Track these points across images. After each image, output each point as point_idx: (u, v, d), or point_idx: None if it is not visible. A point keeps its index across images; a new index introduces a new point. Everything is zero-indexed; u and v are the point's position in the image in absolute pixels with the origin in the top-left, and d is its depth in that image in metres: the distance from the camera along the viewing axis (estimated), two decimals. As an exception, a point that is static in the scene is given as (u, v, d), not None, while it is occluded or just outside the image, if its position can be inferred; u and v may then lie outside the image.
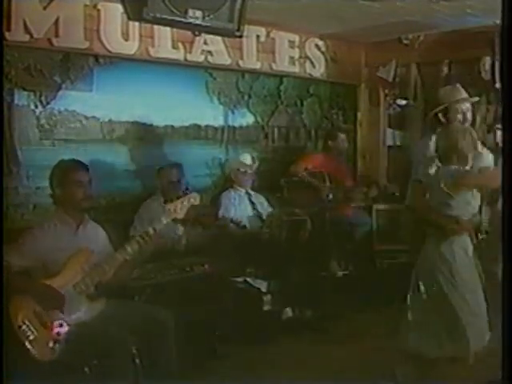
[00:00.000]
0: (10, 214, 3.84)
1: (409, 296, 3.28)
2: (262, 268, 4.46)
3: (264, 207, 4.96)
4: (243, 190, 4.91)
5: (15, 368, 2.62)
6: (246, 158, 4.98)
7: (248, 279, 4.37)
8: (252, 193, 4.96)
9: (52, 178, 3.14)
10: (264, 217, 4.84)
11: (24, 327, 2.73)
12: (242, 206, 4.84)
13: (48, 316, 2.78)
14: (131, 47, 4.29)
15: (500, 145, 3.86)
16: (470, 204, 3.22)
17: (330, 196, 5.05)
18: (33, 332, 2.74)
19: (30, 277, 2.94)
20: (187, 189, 3.95)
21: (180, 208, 3.05)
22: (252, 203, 4.90)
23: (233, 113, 5.15)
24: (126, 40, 4.26)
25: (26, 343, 2.71)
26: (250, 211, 4.86)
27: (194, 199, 3.10)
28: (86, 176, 3.11)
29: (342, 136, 5.43)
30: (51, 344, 2.74)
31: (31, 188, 3.97)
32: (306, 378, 3.54)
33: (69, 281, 2.88)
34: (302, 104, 5.65)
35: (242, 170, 4.90)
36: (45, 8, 3.83)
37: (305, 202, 5.04)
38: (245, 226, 4.64)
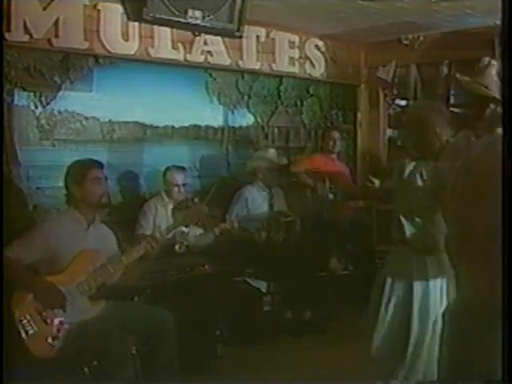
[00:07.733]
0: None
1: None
2: (262, 268, 4.46)
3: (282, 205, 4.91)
4: (266, 189, 4.85)
5: (15, 368, 2.62)
6: (273, 155, 4.90)
7: (248, 279, 4.37)
8: (274, 190, 4.89)
9: (68, 176, 3.17)
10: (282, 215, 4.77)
11: (24, 321, 2.75)
12: (260, 204, 4.80)
13: (49, 313, 2.80)
14: (131, 47, 4.28)
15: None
16: None
17: (330, 196, 5.04)
18: (32, 327, 2.76)
19: (35, 271, 2.96)
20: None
21: (189, 216, 3.19)
22: (270, 201, 4.83)
23: (233, 113, 5.14)
24: (126, 40, 4.25)
25: (25, 338, 2.72)
26: (266, 209, 4.79)
27: (203, 209, 3.24)
28: (102, 173, 3.19)
29: (335, 135, 5.35)
30: (50, 340, 2.76)
31: (31, 188, 3.96)
32: (306, 378, 3.55)
33: (72, 280, 2.90)
34: (301, 104, 5.64)
35: (268, 167, 4.82)
36: (45, 8, 3.82)
37: (304, 202, 5.04)
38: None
